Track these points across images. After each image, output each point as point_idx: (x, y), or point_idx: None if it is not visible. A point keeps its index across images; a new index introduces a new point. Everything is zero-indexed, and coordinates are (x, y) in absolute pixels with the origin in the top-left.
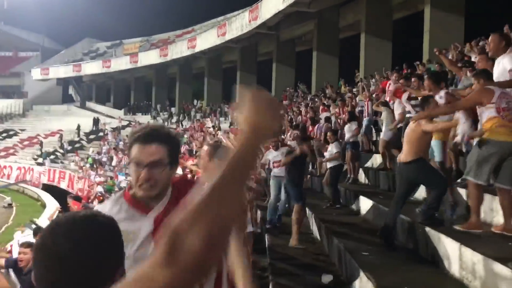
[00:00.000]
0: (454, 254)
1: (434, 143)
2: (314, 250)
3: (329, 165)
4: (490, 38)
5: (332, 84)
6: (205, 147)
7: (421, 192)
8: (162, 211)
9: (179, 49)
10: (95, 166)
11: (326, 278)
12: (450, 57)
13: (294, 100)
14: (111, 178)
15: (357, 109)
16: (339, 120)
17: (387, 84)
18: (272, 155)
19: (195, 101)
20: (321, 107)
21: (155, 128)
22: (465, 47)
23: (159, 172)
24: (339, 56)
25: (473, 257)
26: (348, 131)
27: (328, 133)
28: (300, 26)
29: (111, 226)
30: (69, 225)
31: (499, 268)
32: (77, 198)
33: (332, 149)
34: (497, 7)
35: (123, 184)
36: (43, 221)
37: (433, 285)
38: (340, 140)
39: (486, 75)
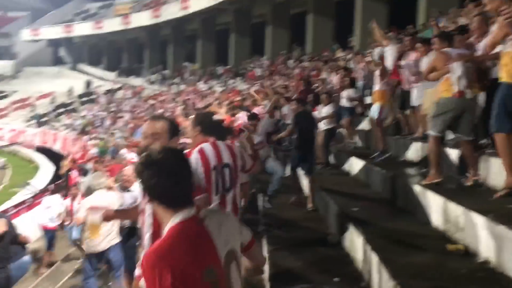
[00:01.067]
0: (438, 207)
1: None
2: (305, 210)
3: (324, 127)
4: None
5: (327, 47)
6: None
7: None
8: None
9: (172, 10)
10: (87, 128)
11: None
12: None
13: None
14: (102, 139)
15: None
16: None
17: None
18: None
19: (188, 64)
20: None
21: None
22: (461, 10)
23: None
24: (334, 19)
25: (456, 210)
26: (347, 97)
27: (323, 95)
28: None
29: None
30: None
31: (480, 219)
32: (72, 160)
33: (328, 109)
34: None
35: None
36: (38, 183)
37: (414, 234)
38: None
39: (442, 38)
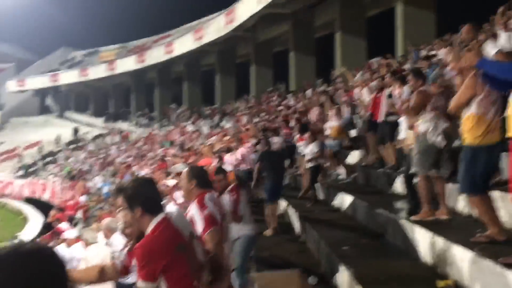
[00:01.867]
0: (426, 242)
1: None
2: (297, 247)
3: (310, 164)
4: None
5: (311, 83)
6: (182, 168)
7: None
8: None
9: (156, 54)
10: (75, 176)
11: (312, 280)
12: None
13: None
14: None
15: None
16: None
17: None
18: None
19: (175, 105)
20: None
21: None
22: (435, 43)
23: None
24: (315, 55)
25: (444, 245)
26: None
27: (307, 134)
28: (276, 27)
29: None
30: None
31: (467, 254)
32: (61, 210)
33: (313, 148)
34: (467, 3)
35: (105, 191)
36: (26, 235)
37: (407, 274)
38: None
39: (416, 75)
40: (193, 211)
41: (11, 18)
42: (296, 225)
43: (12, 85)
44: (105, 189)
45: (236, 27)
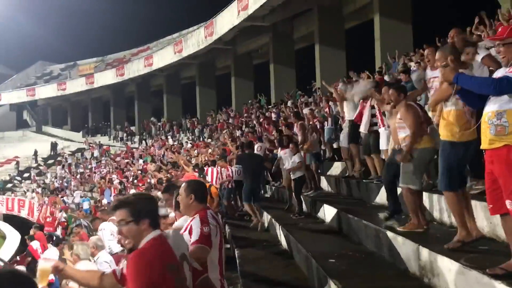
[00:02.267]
0: (412, 253)
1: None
2: (283, 261)
3: (292, 176)
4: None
5: (291, 94)
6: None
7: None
8: None
9: (136, 68)
10: (53, 192)
11: None
12: (400, 65)
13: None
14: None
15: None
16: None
17: None
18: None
19: (154, 119)
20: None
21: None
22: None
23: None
24: (295, 67)
25: (429, 256)
26: (315, 142)
27: (291, 145)
28: (256, 39)
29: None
30: None
31: (453, 265)
32: (40, 228)
33: (294, 159)
34: (443, 15)
35: (85, 207)
36: (3, 254)
37: (395, 286)
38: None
39: (397, 90)
40: (194, 224)
41: None
42: (282, 238)
43: None
44: (85, 205)
45: (216, 40)
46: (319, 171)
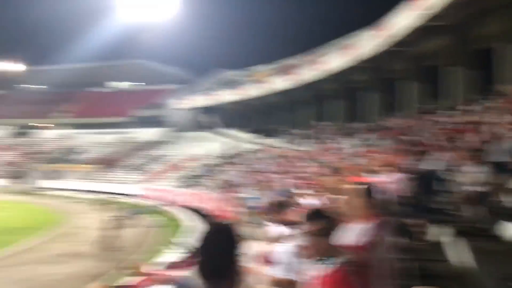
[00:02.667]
0: None
1: None
2: None
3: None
4: None
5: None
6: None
7: None
8: None
9: (307, 73)
10: (226, 187)
11: None
12: None
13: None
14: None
15: None
16: None
17: None
18: None
19: (326, 122)
20: None
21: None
22: None
23: None
24: (474, 69)
25: None
26: None
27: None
28: (432, 41)
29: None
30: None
31: None
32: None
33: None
34: None
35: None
36: (181, 241)
37: None
38: None
39: None
40: (371, 229)
41: (174, 44)
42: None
43: (176, 103)
44: (251, 202)
45: (390, 42)
46: None
